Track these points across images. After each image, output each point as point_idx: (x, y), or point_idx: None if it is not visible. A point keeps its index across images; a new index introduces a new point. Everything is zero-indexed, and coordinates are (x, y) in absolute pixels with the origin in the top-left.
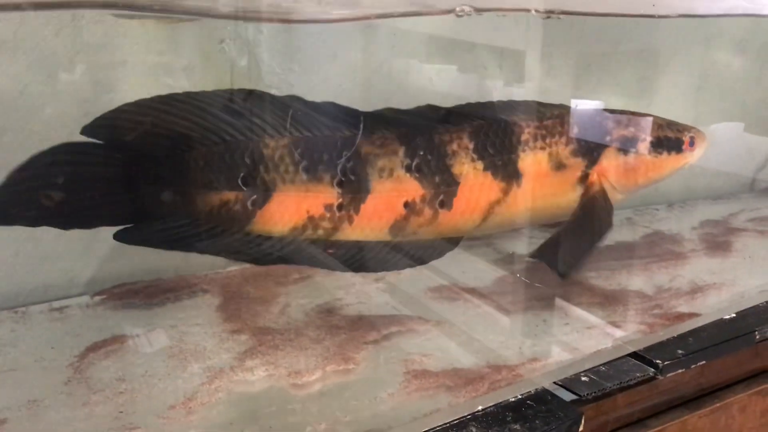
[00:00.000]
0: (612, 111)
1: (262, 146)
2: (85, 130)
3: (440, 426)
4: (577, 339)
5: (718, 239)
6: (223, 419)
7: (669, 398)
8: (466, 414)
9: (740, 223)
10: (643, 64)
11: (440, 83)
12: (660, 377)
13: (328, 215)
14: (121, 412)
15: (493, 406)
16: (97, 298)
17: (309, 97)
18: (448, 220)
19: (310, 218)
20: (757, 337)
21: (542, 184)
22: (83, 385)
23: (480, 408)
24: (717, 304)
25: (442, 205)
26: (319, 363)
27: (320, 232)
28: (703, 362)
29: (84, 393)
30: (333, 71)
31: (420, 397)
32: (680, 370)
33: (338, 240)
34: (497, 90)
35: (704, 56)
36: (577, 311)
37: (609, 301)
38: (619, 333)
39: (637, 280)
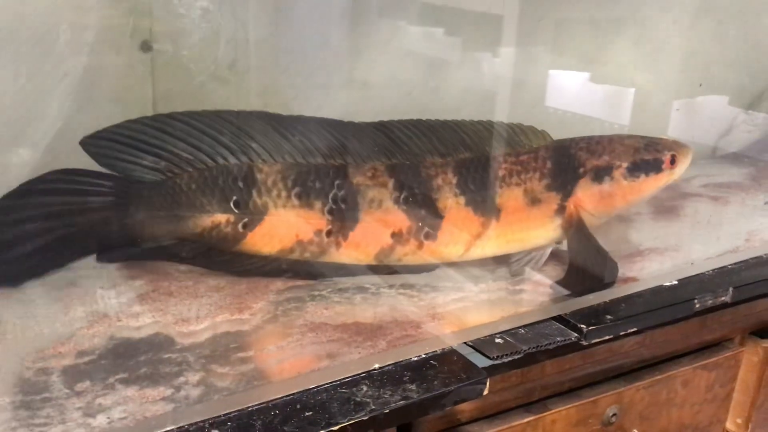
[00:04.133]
0: (588, 138)
1: (255, 171)
2: (84, 142)
3: (328, 383)
4: (501, 298)
5: (666, 203)
6: (94, 366)
7: (604, 368)
8: (359, 372)
9: (693, 188)
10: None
11: None
12: (584, 343)
13: (316, 240)
14: None
15: (392, 364)
16: None
17: None
18: (432, 250)
19: (299, 242)
20: (697, 306)
21: (519, 218)
22: None
23: (377, 366)
24: (657, 270)
25: (427, 236)
26: (211, 311)
27: (307, 254)
28: (634, 330)
29: None
30: None
31: (312, 351)
32: (607, 337)
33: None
34: None
35: (665, 19)
36: (502, 269)
37: None
38: (545, 294)
39: None
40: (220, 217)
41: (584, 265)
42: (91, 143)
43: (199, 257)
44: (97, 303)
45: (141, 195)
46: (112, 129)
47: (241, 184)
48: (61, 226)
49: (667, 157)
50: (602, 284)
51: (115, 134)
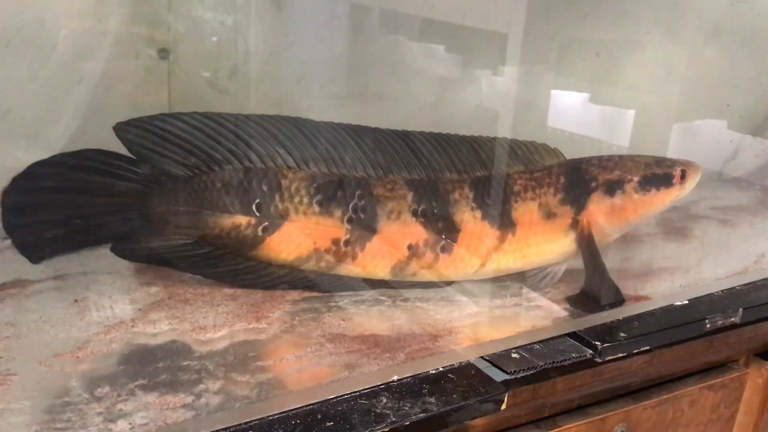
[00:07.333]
0: (599, 156)
1: (280, 176)
2: (117, 128)
3: (348, 394)
4: (516, 314)
5: (676, 224)
6: (112, 371)
7: (613, 386)
8: (378, 383)
9: (702, 210)
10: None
11: None
12: (598, 360)
13: (334, 249)
14: (1, 357)
15: (411, 376)
16: (8, 242)
17: None
18: (447, 264)
19: (316, 250)
20: (708, 326)
21: (535, 232)
22: None
23: (395, 378)
24: (669, 290)
25: (444, 249)
26: (228, 320)
27: (323, 264)
28: (647, 348)
29: None
30: None
31: (331, 361)
32: (620, 355)
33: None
34: None
35: (676, 42)
36: (516, 285)
37: None
38: (560, 311)
39: None
40: (241, 219)
41: (590, 281)
42: (124, 129)
43: (213, 266)
44: (113, 308)
45: (166, 187)
46: (147, 119)
47: (265, 188)
48: (85, 203)
49: (677, 172)
50: (605, 304)
51: (149, 124)
